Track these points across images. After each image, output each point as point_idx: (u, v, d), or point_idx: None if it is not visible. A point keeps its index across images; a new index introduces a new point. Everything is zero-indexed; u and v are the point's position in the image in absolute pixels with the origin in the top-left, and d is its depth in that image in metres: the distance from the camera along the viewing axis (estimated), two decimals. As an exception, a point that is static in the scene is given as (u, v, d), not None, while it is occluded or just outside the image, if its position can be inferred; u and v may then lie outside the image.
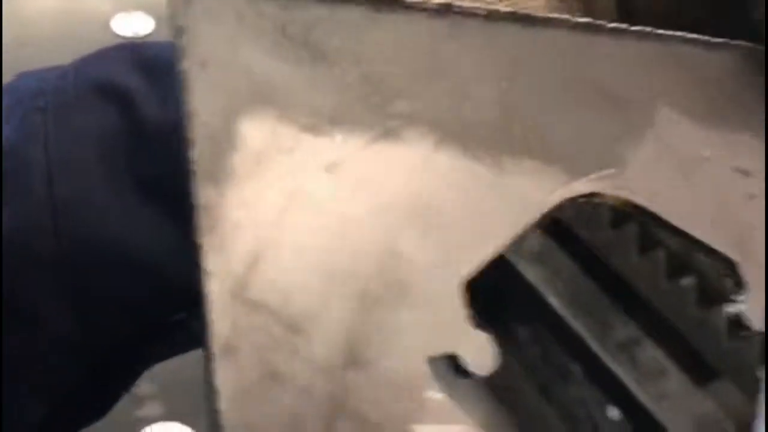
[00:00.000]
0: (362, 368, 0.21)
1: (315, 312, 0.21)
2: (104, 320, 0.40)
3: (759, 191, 0.31)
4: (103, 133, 0.39)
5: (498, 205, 0.25)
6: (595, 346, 0.63)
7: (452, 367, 0.23)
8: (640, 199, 0.28)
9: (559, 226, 0.64)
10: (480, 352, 0.23)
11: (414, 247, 0.23)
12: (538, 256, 0.68)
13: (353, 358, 0.21)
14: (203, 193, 0.21)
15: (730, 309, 0.29)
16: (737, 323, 0.29)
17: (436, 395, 0.22)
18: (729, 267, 0.30)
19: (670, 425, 0.55)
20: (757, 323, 0.29)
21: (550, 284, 0.66)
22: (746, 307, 0.29)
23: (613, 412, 0.58)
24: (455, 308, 0.23)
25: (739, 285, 0.29)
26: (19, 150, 0.38)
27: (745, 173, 0.32)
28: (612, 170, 0.28)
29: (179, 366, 0.46)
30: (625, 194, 0.28)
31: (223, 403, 0.19)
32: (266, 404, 0.20)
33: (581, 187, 0.27)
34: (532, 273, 0.66)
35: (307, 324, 0.21)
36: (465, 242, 0.24)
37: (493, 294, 0.67)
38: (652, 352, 0.58)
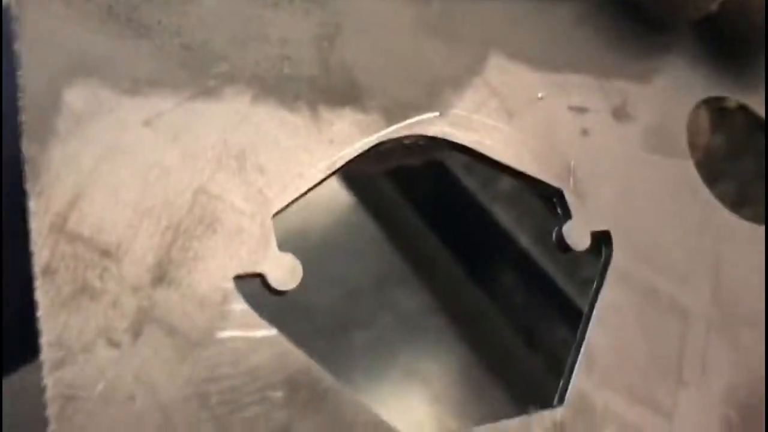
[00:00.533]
0: (169, 286, 0.25)
1: (126, 240, 0.24)
2: None
3: (593, 126, 0.34)
4: None
5: (313, 149, 0.28)
6: (561, 282, 0.64)
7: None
8: (462, 140, 0.31)
9: None
10: (285, 271, 0.26)
11: (226, 188, 0.26)
12: (509, 197, 0.70)
13: (161, 277, 0.25)
14: (29, 149, 0.25)
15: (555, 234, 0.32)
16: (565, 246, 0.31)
17: (239, 306, 0.25)
18: (556, 197, 0.32)
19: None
20: (581, 243, 0.31)
21: (519, 224, 0.67)
22: (570, 228, 0.31)
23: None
24: (265, 238, 0.26)
25: (565, 213, 0.32)
26: None
27: (581, 110, 0.34)
28: (436, 113, 0.31)
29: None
30: (448, 136, 0.31)
31: (42, 313, 0.23)
32: (80, 315, 0.23)
33: (402, 131, 0.30)
34: (503, 214, 0.68)
35: (118, 250, 0.24)
36: (277, 182, 0.27)
37: (475, 241, 0.68)
38: None
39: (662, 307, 0.31)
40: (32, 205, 0.24)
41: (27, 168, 0.24)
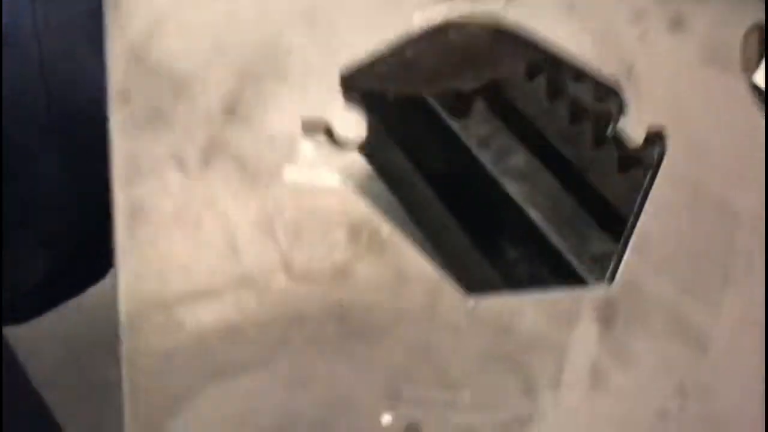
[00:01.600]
0: (239, 122, 0.24)
1: (201, 73, 0.24)
2: (93, 172, 0.43)
3: (651, 32, 0.34)
4: None
5: (385, 12, 0.28)
6: (571, 258, 0.64)
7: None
8: (522, 29, 0.31)
9: (543, 143, 0.66)
10: (352, 125, 0.26)
11: (297, 40, 0.27)
12: (521, 174, 0.70)
13: (231, 113, 0.24)
14: None
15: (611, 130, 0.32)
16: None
17: (307, 152, 0.25)
18: (612, 93, 0.32)
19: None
20: (636, 138, 0.31)
21: (531, 199, 0.68)
22: (626, 124, 0.31)
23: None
24: (331, 90, 0.26)
25: (621, 112, 0.32)
26: (8, 6, 0.41)
27: (639, 15, 0.34)
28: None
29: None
30: (504, 22, 0.31)
31: (115, 134, 0.23)
32: (151, 138, 0.23)
33: (463, 6, 0.30)
34: (515, 189, 0.68)
35: (193, 81, 0.24)
36: (347, 40, 0.27)
37: (485, 219, 0.69)
38: None
39: (712, 207, 0.31)
40: (110, 30, 0.24)
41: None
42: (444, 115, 0.67)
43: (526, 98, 0.66)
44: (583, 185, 0.63)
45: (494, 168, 0.68)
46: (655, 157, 0.31)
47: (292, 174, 0.24)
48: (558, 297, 0.26)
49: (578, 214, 0.65)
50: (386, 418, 0.23)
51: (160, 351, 0.22)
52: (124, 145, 0.23)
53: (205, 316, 0.22)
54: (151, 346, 0.22)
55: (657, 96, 0.32)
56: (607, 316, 0.27)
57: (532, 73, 0.65)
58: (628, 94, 0.31)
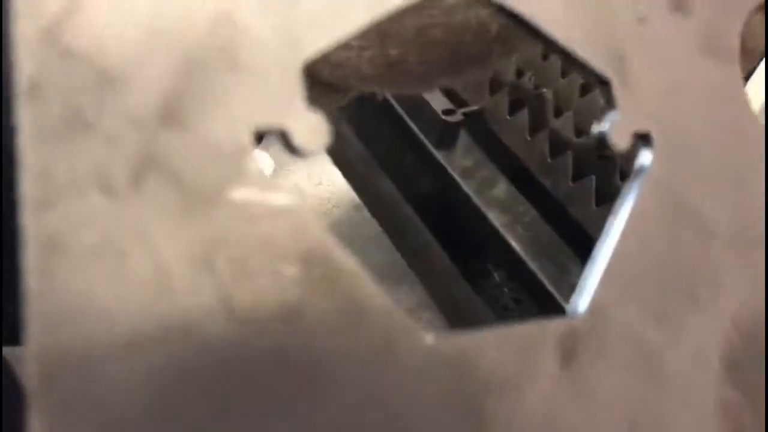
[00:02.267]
0: (179, 128, 0.21)
1: (131, 65, 0.20)
2: None
3: (650, 14, 0.31)
4: None
5: None
6: (550, 286, 0.65)
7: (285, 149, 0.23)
8: (529, 13, 0.27)
9: (524, 175, 0.65)
10: (312, 131, 0.22)
11: (253, 20, 0.22)
12: (502, 204, 0.70)
13: (170, 116, 0.21)
14: None
15: (596, 129, 0.29)
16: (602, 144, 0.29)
17: (257, 165, 0.22)
18: (603, 86, 0.30)
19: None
20: (620, 145, 0.29)
21: (512, 229, 0.68)
22: (609, 127, 0.28)
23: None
24: (291, 87, 0.22)
25: (609, 104, 0.29)
26: None
27: None
28: None
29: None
30: (513, 7, 0.27)
31: (25, 141, 0.19)
32: (69, 147, 0.20)
33: None
34: (497, 219, 0.68)
35: (122, 75, 0.20)
36: (311, 24, 0.23)
37: (469, 246, 0.69)
38: None
39: (686, 220, 0.29)
40: (17, 6, 0.20)
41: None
42: (430, 146, 0.66)
43: (509, 131, 0.65)
44: (563, 216, 0.62)
45: (477, 198, 0.67)
46: (637, 163, 0.29)
47: (240, 193, 0.21)
48: (520, 331, 0.25)
49: (557, 245, 0.65)
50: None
51: (80, 414, 0.19)
52: (36, 156, 0.19)
53: (130, 372, 0.19)
54: (70, 409, 0.19)
55: (649, 91, 0.29)
56: (568, 350, 0.26)
57: (514, 108, 0.64)
58: (618, 91, 0.28)
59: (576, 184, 0.61)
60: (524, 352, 0.24)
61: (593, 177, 0.60)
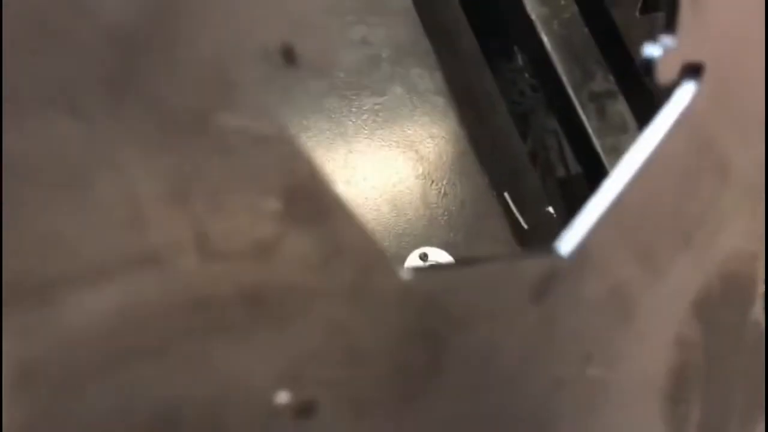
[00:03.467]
0: (163, 40, 0.18)
1: None
2: None
3: None
4: None
5: None
6: (571, 90, 0.62)
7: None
8: None
9: None
10: (324, 46, 0.20)
11: None
12: None
13: (153, 25, 0.18)
14: None
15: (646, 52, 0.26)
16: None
17: (246, 89, 0.20)
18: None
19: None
20: (665, 76, 0.26)
21: (548, 23, 0.62)
22: (659, 54, 0.26)
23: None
24: None
25: (671, 22, 0.26)
26: None
27: None
28: None
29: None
30: None
31: None
32: (38, 64, 0.17)
33: None
34: (536, 11, 0.63)
35: None
36: None
37: (500, 33, 0.63)
38: (620, 108, 0.57)
39: (710, 163, 0.28)
40: None
41: None
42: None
43: None
44: (603, 18, 0.56)
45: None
46: (681, 94, 0.26)
47: (225, 120, 0.19)
48: (496, 271, 0.24)
49: (589, 48, 0.59)
50: (281, 397, 0.22)
51: (40, 344, 0.19)
52: None
53: (94, 302, 0.19)
54: (30, 339, 0.19)
55: (717, 16, 0.26)
56: (542, 289, 0.26)
57: None
58: (686, 11, 0.25)
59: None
60: (497, 290, 0.24)
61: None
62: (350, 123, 0.57)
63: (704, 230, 0.28)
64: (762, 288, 0.30)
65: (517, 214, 0.62)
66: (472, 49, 0.64)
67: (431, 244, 0.56)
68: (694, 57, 0.25)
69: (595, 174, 0.61)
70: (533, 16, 0.61)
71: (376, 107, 0.59)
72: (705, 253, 0.28)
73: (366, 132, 0.58)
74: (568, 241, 0.25)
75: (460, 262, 0.24)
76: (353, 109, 0.57)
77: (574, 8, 0.61)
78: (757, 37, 0.26)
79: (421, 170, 0.61)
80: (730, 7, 0.25)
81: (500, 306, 0.24)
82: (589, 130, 0.57)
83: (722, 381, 0.30)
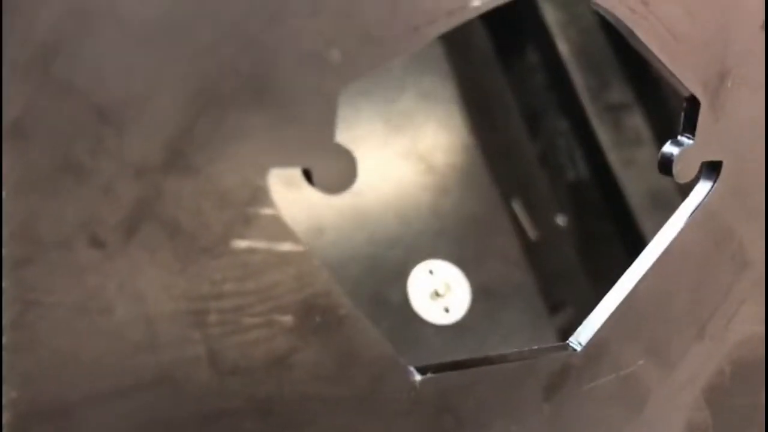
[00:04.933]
0: (185, 173, 0.19)
1: (136, 100, 0.18)
2: None
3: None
4: None
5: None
6: (585, 101, 0.61)
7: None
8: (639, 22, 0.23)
9: None
10: (337, 170, 0.20)
11: (281, 41, 0.19)
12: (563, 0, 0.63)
13: (175, 161, 0.19)
14: None
15: (665, 150, 0.27)
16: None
17: (268, 211, 0.20)
18: (689, 107, 0.26)
19: (628, 191, 0.57)
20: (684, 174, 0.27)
21: (564, 30, 0.62)
22: (677, 154, 0.26)
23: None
24: (325, 116, 0.20)
25: (688, 128, 0.27)
26: None
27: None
28: None
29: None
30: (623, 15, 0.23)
31: (7, 192, 0.17)
32: (58, 200, 0.18)
33: None
34: (552, 16, 0.62)
35: (122, 114, 0.18)
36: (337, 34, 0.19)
37: (512, 29, 0.63)
38: (636, 121, 0.57)
39: (728, 253, 0.28)
40: (6, 26, 0.16)
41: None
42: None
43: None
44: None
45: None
46: (700, 191, 0.27)
47: (243, 242, 0.20)
48: (509, 369, 0.25)
49: (606, 57, 0.59)
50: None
51: None
52: (16, 209, 0.17)
53: (111, 421, 0.19)
54: None
55: (737, 116, 0.26)
56: (556, 384, 0.26)
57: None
58: (705, 116, 0.25)
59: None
60: (511, 389, 0.25)
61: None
62: (360, 131, 0.57)
63: (719, 320, 0.28)
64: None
65: (526, 226, 0.62)
66: (486, 53, 0.64)
67: (439, 258, 0.56)
68: (712, 156, 0.26)
69: (606, 185, 0.61)
70: (548, 21, 0.61)
71: (387, 115, 0.59)
72: (717, 343, 0.29)
73: (376, 140, 0.58)
74: (582, 335, 0.26)
75: (473, 362, 0.25)
76: (363, 117, 0.57)
77: (590, 16, 0.61)
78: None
79: (430, 181, 0.60)
80: (747, 106, 0.26)
81: (513, 404, 0.25)
82: (602, 143, 0.57)
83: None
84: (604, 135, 0.57)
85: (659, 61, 0.23)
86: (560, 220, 0.72)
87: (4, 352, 0.18)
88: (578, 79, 0.61)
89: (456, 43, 0.65)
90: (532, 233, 0.60)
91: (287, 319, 0.21)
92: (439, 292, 0.53)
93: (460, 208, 0.60)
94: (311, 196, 0.23)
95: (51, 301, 0.18)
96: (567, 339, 0.26)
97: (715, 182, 0.26)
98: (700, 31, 0.24)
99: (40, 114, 0.16)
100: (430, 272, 0.58)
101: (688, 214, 0.26)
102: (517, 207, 0.63)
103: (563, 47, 0.60)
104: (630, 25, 0.22)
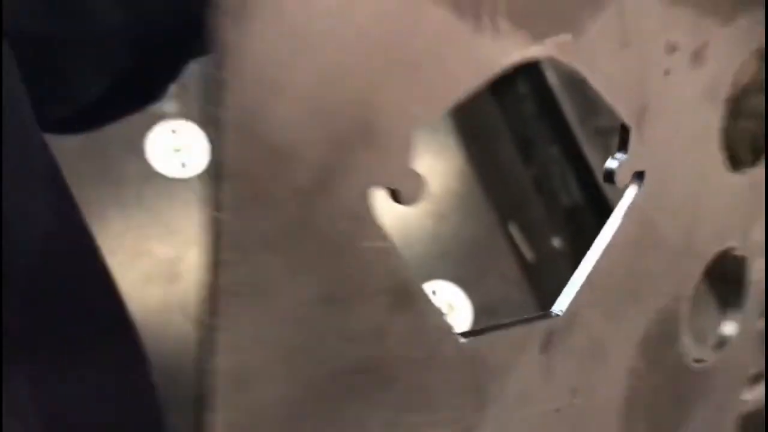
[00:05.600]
0: (327, 195, 0.27)
1: (300, 143, 0.26)
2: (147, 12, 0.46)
3: (675, 66, 0.37)
4: None
5: (463, 61, 0.29)
6: (575, 126, 0.69)
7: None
8: (584, 69, 0.33)
9: None
10: (415, 187, 0.29)
11: (383, 91, 0.28)
12: None
13: (322, 186, 0.27)
14: (222, 28, 0.23)
15: (607, 164, 0.37)
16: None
17: (374, 218, 0.29)
18: (624, 131, 0.37)
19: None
20: (622, 181, 0.37)
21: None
22: (617, 165, 0.37)
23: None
24: (407, 151, 0.29)
25: (622, 148, 0.37)
26: None
27: (672, 49, 0.38)
28: (569, 36, 0.33)
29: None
30: (574, 63, 0.33)
31: (222, 218, 0.25)
32: (250, 219, 0.25)
33: (536, 51, 0.32)
34: None
35: (292, 154, 0.26)
36: (424, 93, 0.28)
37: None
38: None
39: (653, 240, 0.39)
40: (224, 96, 0.24)
41: (220, 50, 0.23)
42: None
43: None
44: None
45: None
46: (630, 195, 0.38)
47: (363, 243, 0.28)
48: (518, 330, 0.34)
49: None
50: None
51: None
52: (231, 229, 0.24)
53: None
54: None
55: (656, 137, 0.37)
56: (547, 341, 0.36)
57: None
58: (633, 137, 0.36)
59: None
60: (520, 344, 0.34)
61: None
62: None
63: (649, 289, 0.39)
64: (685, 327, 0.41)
65: (523, 249, 0.68)
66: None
67: (441, 279, 0.61)
68: (639, 167, 0.36)
69: (599, 206, 0.66)
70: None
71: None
72: (646, 306, 0.39)
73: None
74: (562, 304, 0.35)
75: (490, 327, 0.34)
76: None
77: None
78: (682, 143, 0.38)
79: (430, 207, 0.66)
80: (663, 131, 0.36)
81: (521, 356, 0.34)
82: (593, 166, 0.61)
83: (659, 404, 0.41)
84: (594, 158, 0.63)
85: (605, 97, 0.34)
86: (556, 242, 0.77)
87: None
88: (567, 106, 0.66)
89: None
90: (529, 255, 0.67)
91: (384, 299, 0.29)
92: (443, 311, 0.62)
93: (459, 231, 0.66)
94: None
95: (245, 291, 0.25)
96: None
97: (640, 187, 0.36)
98: (625, 74, 0.34)
99: (244, 159, 0.24)
100: (434, 293, 0.64)
101: (624, 210, 0.37)
102: (514, 230, 0.69)
103: (552, 77, 0.65)
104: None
